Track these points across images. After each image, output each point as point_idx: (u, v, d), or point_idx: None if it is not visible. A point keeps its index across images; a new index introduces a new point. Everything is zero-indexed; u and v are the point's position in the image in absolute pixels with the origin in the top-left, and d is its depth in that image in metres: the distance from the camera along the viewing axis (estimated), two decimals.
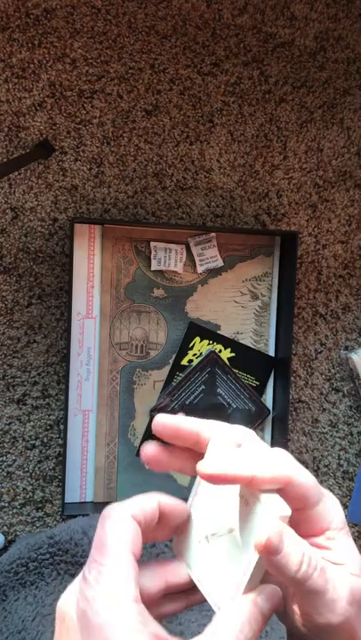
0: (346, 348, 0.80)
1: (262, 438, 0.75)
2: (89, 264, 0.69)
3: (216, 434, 0.30)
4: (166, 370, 0.72)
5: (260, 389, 0.75)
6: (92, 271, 0.69)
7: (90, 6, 0.72)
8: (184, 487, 0.73)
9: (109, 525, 0.27)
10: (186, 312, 0.72)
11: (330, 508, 0.29)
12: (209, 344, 0.73)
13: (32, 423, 0.72)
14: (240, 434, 0.30)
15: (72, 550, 0.54)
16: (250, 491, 0.28)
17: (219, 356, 0.73)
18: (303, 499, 0.28)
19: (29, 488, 0.72)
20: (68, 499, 0.70)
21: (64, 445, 0.68)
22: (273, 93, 0.77)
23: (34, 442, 0.72)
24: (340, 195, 0.79)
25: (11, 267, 0.71)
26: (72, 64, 0.72)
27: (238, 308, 0.74)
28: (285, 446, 0.72)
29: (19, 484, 0.72)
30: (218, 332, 0.73)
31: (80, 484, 0.70)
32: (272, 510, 0.27)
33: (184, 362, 0.72)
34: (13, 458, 0.72)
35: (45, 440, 0.72)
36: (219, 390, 0.73)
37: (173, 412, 0.71)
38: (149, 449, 0.32)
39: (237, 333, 0.74)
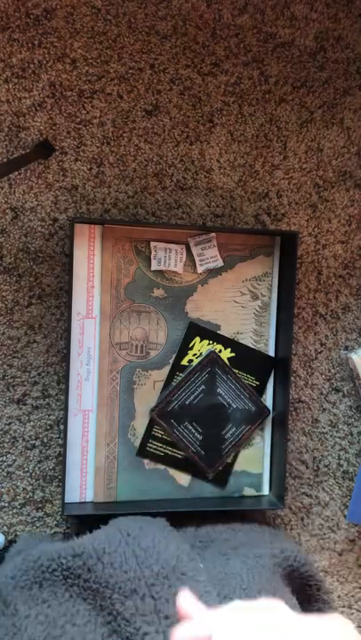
0: (346, 348, 0.80)
1: (262, 438, 0.75)
2: (89, 264, 0.69)
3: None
4: (166, 370, 0.72)
5: (260, 389, 0.75)
6: (92, 271, 0.69)
7: (90, 6, 0.72)
8: (184, 487, 0.73)
9: None
10: (186, 312, 0.72)
11: None
12: (209, 344, 0.73)
13: (32, 423, 0.72)
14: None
15: (84, 575, 0.53)
16: None
17: (219, 356, 0.73)
18: None
19: (29, 488, 0.72)
20: (68, 499, 0.70)
21: (64, 445, 0.68)
22: (273, 93, 0.77)
23: (34, 442, 0.72)
24: (340, 195, 0.79)
25: (11, 267, 0.71)
26: (72, 64, 0.72)
27: (238, 307, 0.74)
28: (285, 446, 0.72)
29: (19, 483, 0.72)
30: (218, 331, 0.73)
31: (80, 483, 0.70)
32: None
33: (184, 362, 0.72)
34: (13, 458, 0.72)
35: (45, 440, 0.72)
36: (219, 390, 0.73)
37: (173, 411, 0.71)
38: None
39: (237, 333, 0.74)
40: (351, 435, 0.81)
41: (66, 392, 0.67)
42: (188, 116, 0.75)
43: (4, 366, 0.71)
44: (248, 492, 0.75)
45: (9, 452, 0.72)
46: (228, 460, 0.74)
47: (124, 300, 0.70)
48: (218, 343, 0.73)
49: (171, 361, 0.72)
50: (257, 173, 0.77)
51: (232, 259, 0.73)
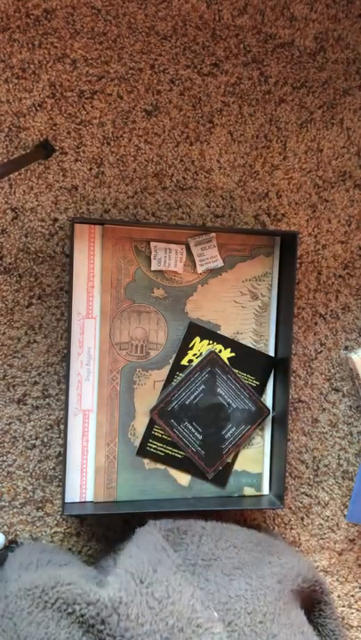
0: (346, 348, 0.80)
1: (262, 438, 0.75)
2: (89, 264, 0.69)
3: None
4: (166, 370, 0.72)
5: (260, 389, 0.75)
6: (93, 271, 0.70)
7: (90, 7, 0.72)
8: (184, 487, 0.73)
9: None
10: (186, 312, 0.72)
11: None
12: (209, 344, 0.73)
13: (32, 423, 0.72)
14: None
15: (98, 626, 0.51)
16: None
17: (219, 356, 0.73)
18: None
19: (30, 488, 0.72)
20: (68, 498, 0.70)
21: (64, 445, 0.68)
22: (273, 94, 0.77)
23: (34, 442, 0.72)
24: (340, 195, 0.79)
25: (11, 267, 0.71)
26: (72, 64, 0.72)
27: (238, 308, 0.74)
28: (285, 446, 0.72)
29: (19, 483, 0.72)
30: (218, 332, 0.73)
31: (80, 483, 0.70)
32: None
33: (184, 362, 0.72)
34: (14, 457, 0.72)
35: (45, 440, 0.73)
36: (219, 390, 0.73)
37: (173, 411, 0.72)
38: None
39: (237, 333, 0.74)
40: (351, 434, 0.81)
41: (66, 392, 0.67)
42: (188, 117, 0.75)
43: (5, 366, 0.72)
44: (248, 491, 0.75)
45: (9, 452, 0.72)
46: (228, 460, 0.74)
47: (124, 300, 0.70)
48: (218, 343, 0.73)
49: (171, 361, 0.72)
50: (257, 173, 0.77)
51: (232, 259, 0.73)
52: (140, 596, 0.54)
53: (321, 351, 0.80)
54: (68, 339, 0.67)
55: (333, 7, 0.78)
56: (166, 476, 0.72)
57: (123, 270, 0.70)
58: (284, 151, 0.78)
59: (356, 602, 0.82)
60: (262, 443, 0.75)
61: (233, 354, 0.73)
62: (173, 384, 0.72)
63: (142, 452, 0.72)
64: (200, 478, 0.73)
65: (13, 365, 0.72)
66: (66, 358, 0.70)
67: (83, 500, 0.70)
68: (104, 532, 0.75)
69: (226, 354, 0.73)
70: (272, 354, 0.75)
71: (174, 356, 0.72)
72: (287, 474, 0.79)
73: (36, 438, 0.72)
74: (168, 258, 0.71)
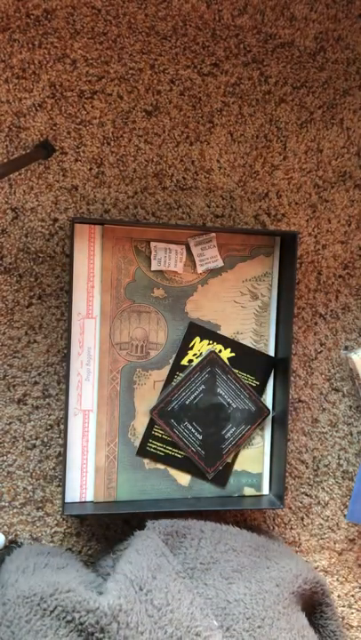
0: (346, 348, 0.80)
1: (262, 438, 0.75)
2: (89, 264, 0.69)
3: None
4: (166, 370, 0.72)
5: (260, 389, 0.75)
6: (93, 271, 0.70)
7: (90, 7, 0.72)
8: (184, 487, 0.73)
9: None
10: (186, 312, 0.72)
11: None
12: (209, 344, 0.73)
13: (32, 423, 0.72)
14: None
15: (97, 634, 0.51)
16: None
17: (219, 356, 0.73)
18: None
19: (30, 488, 0.72)
20: (68, 498, 0.70)
21: (64, 445, 0.68)
22: (273, 94, 0.77)
23: (34, 442, 0.72)
24: (340, 195, 0.79)
25: (11, 267, 0.71)
26: (72, 64, 0.72)
27: (238, 307, 0.74)
28: (285, 446, 0.72)
29: (19, 483, 0.72)
30: (218, 332, 0.73)
31: (80, 483, 0.70)
32: None
33: (184, 362, 0.72)
34: (14, 457, 0.72)
35: (46, 440, 0.73)
36: (219, 390, 0.73)
37: (173, 411, 0.72)
38: None
39: (237, 333, 0.74)
40: (351, 434, 0.81)
41: (66, 392, 0.67)
42: (188, 117, 0.75)
43: (5, 366, 0.72)
44: (248, 491, 0.75)
45: (9, 452, 0.72)
46: (228, 460, 0.74)
47: (124, 300, 0.70)
48: (218, 343, 0.73)
49: (171, 361, 0.72)
50: (257, 174, 0.77)
51: (232, 259, 0.73)
52: (140, 603, 0.53)
53: (321, 351, 0.80)
54: (68, 339, 0.67)
55: (333, 7, 0.78)
56: (166, 476, 0.72)
57: (123, 270, 0.70)
58: (284, 151, 0.78)
59: (356, 602, 0.82)
60: (262, 443, 0.75)
61: (233, 354, 0.73)
62: (173, 384, 0.72)
63: (142, 451, 0.72)
64: (200, 478, 0.73)
65: (13, 365, 0.72)
66: (66, 358, 0.70)
67: (83, 500, 0.71)
68: (104, 532, 0.75)
69: (226, 354, 0.73)
70: (272, 354, 0.75)
71: (174, 355, 0.72)
72: (287, 474, 0.79)
73: (36, 438, 0.72)
74: (168, 258, 0.71)
